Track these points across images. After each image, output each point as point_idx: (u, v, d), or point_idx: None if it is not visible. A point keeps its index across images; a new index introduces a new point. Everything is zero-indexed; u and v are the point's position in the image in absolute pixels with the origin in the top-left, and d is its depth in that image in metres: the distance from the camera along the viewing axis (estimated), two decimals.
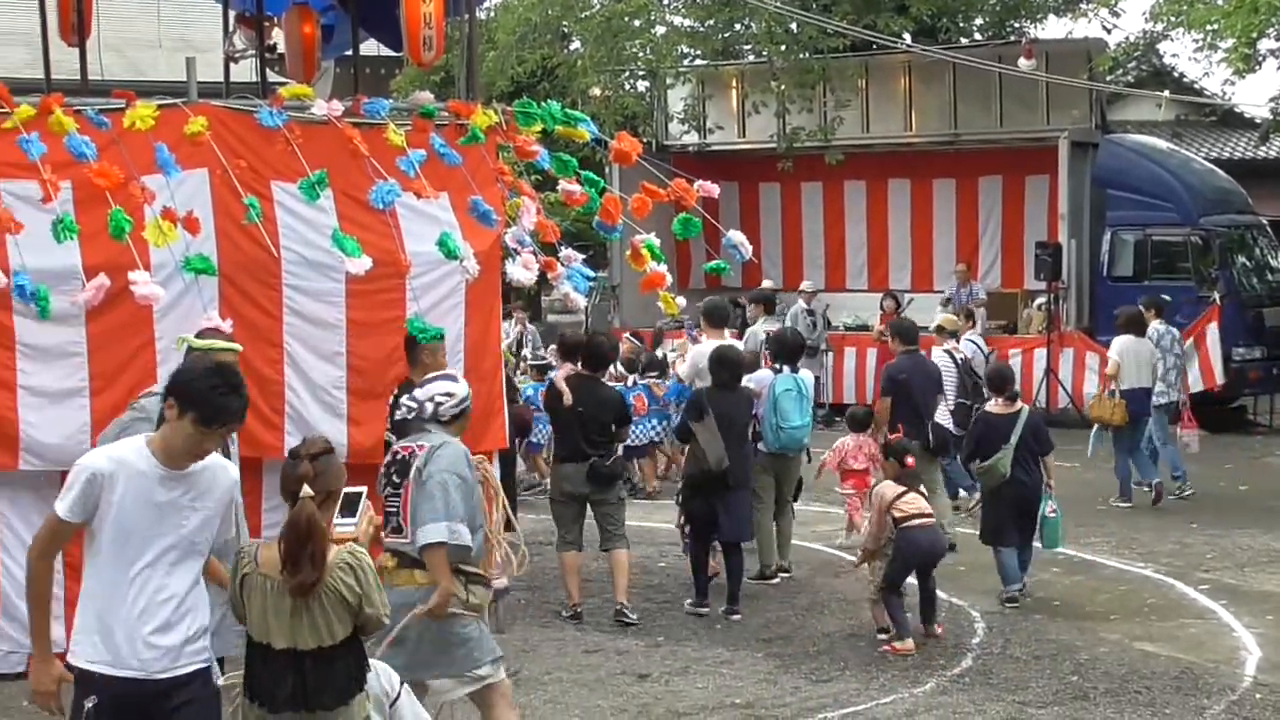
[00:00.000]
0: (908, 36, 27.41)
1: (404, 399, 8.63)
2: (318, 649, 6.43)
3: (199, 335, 9.43)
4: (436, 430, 8.33)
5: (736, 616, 12.50)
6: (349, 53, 14.75)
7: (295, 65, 14.22)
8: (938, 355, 16.69)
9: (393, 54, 16.57)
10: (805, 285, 26.20)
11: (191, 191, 10.41)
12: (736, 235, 11.37)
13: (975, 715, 9.99)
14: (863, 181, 28.30)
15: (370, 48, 15.46)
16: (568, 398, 12.71)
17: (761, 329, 16.12)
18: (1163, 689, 10.50)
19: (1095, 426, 18.15)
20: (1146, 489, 17.89)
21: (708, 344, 13.98)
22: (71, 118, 9.91)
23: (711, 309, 14.58)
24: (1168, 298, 20.27)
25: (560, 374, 13.43)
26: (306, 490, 6.41)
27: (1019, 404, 13.31)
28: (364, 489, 6.71)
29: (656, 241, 11.48)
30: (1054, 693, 10.46)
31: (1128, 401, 17.60)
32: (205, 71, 11.24)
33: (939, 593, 12.32)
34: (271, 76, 15.01)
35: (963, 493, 16.66)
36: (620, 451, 13.12)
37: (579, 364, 13.17)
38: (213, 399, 6.18)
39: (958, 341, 17.79)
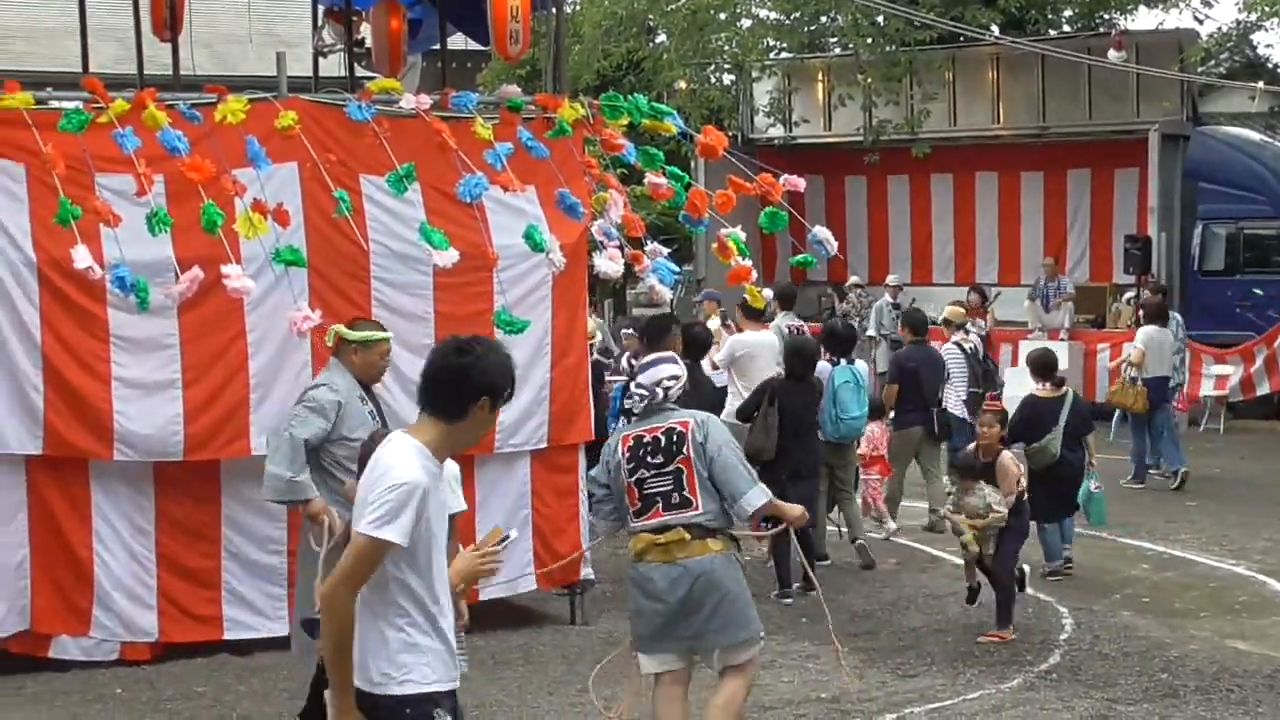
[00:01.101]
0: (995, 28, 27.21)
1: (633, 387, 8.72)
2: None
3: (350, 325, 9.51)
4: (675, 408, 8.46)
5: (788, 601, 12.66)
6: (436, 47, 14.87)
7: (382, 59, 14.31)
8: (948, 347, 17.17)
9: (479, 48, 16.59)
10: (891, 279, 26.08)
11: (281, 185, 10.51)
12: (822, 231, 11.33)
13: (1063, 712, 9.91)
14: (949, 175, 28.12)
15: (457, 42, 15.51)
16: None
17: (782, 323, 16.16)
18: (1255, 687, 10.38)
19: (1115, 412, 19.07)
20: (1167, 476, 18.46)
21: (746, 334, 14.56)
22: (165, 113, 10.03)
23: (747, 303, 14.80)
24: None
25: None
26: None
27: (1065, 388, 13.75)
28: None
29: (742, 235, 11.48)
30: (1143, 690, 10.36)
31: (1149, 389, 18.25)
32: (294, 66, 11.33)
33: (1028, 589, 12.33)
34: (359, 71, 15.12)
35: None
36: None
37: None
38: (509, 374, 5.82)
39: (965, 333, 18.22)
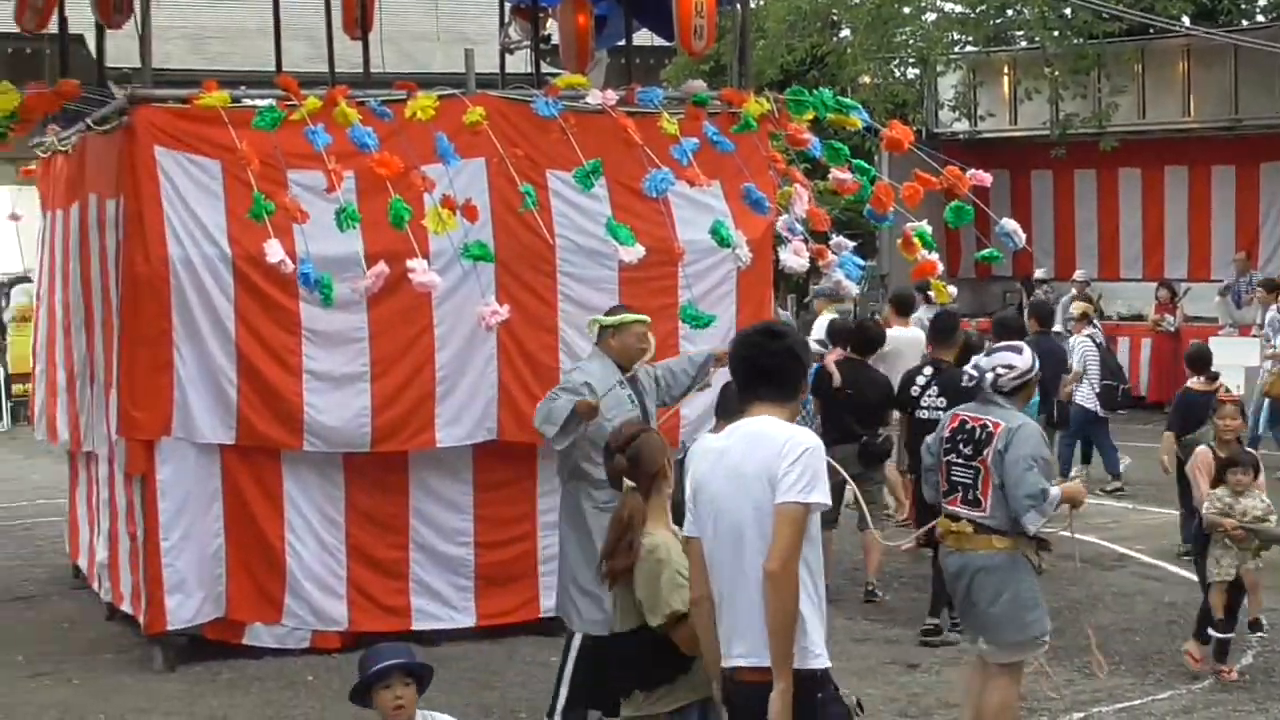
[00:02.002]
0: (1186, 19, 26.65)
1: (968, 366, 8.92)
2: (622, 633, 6.44)
3: (608, 313, 9.60)
4: (1003, 403, 8.53)
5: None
6: (621, 43, 14.92)
7: (569, 55, 14.39)
8: (1080, 340, 17.32)
9: (663, 44, 16.63)
10: (1078, 274, 25.65)
11: (469, 180, 10.62)
12: (1010, 223, 11.19)
13: (1257, 714, 9.68)
14: (1138, 169, 27.59)
15: (642, 37, 15.56)
16: (837, 379, 12.77)
17: (924, 316, 16.12)
18: None
19: (1266, 402, 18.67)
20: None
21: (894, 329, 14.61)
22: (355, 109, 10.17)
23: (899, 298, 15.25)
24: None
25: (830, 358, 13.45)
26: (627, 482, 6.47)
27: (1218, 382, 13.81)
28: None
29: (928, 229, 11.38)
30: None
31: None
32: (480, 63, 11.41)
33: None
34: (545, 67, 15.22)
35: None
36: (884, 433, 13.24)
37: (847, 349, 13.23)
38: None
39: (1094, 326, 18.33)
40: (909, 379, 12.50)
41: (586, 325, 9.74)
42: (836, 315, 17.19)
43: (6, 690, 10.35)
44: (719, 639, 5.71)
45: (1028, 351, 8.69)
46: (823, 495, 5.49)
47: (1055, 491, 8.27)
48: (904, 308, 14.91)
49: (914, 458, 11.69)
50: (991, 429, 8.33)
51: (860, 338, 13.44)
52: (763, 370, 5.75)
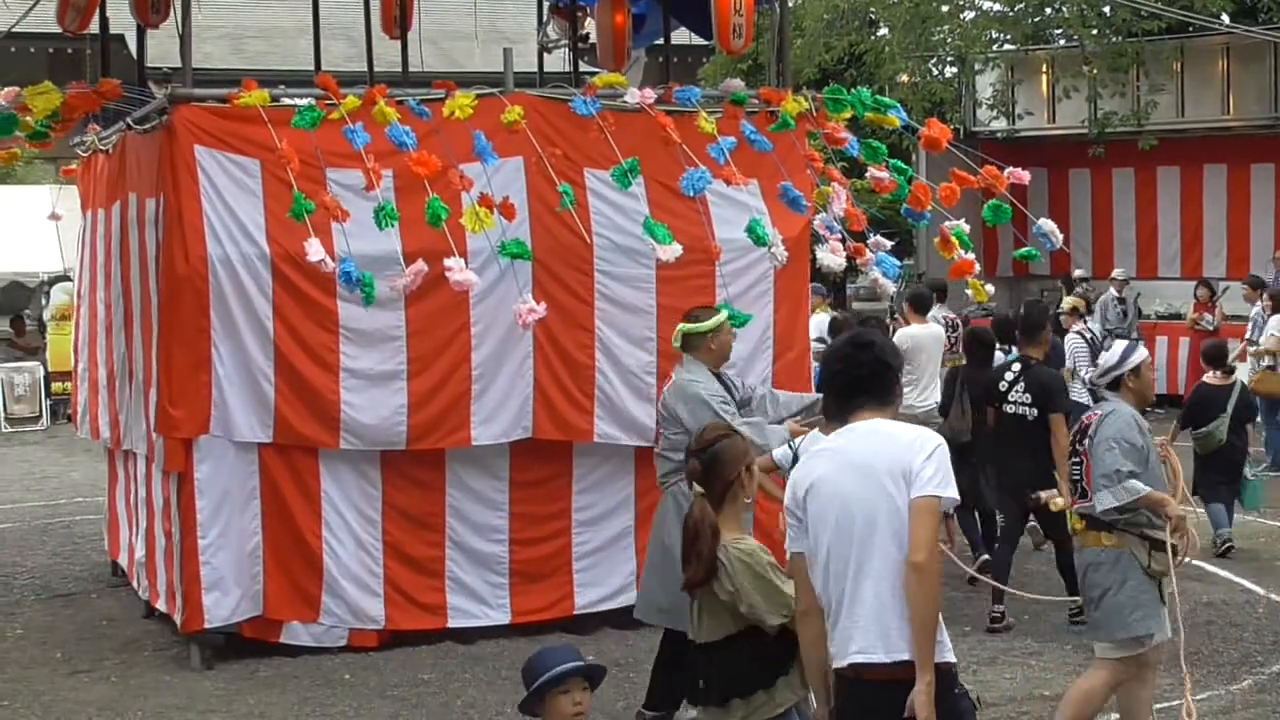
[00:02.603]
0: (1226, 17, 26.52)
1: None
2: (710, 643, 6.37)
3: (686, 319, 9.61)
4: (1109, 397, 8.66)
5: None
6: (659, 41, 14.92)
7: (607, 54, 14.40)
8: (1071, 337, 17.72)
9: (700, 43, 16.65)
10: (1116, 273, 25.58)
11: (507, 179, 10.64)
12: (1047, 223, 11.16)
13: None
14: (1176, 167, 27.47)
15: (680, 36, 15.56)
16: None
17: (938, 314, 16.15)
18: None
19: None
20: None
21: (913, 327, 14.69)
22: (394, 108, 10.18)
23: (916, 296, 15.28)
24: None
25: None
26: (697, 487, 6.45)
27: (1233, 377, 14.64)
28: None
29: (966, 228, 11.35)
30: None
31: None
32: (518, 62, 11.43)
33: (1255, 587, 12.05)
34: (583, 66, 15.23)
35: None
36: None
37: None
38: None
39: (1085, 322, 18.69)
40: (998, 374, 12.49)
41: (674, 336, 9.66)
42: (837, 314, 17.64)
43: (46, 687, 10.41)
44: (834, 641, 5.67)
45: (1117, 348, 8.81)
46: (954, 490, 5.56)
47: (1135, 483, 8.26)
48: (921, 306, 14.98)
49: (998, 450, 12.26)
50: (1091, 420, 8.56)
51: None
52: (855, 380, 5.80)
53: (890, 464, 5.54)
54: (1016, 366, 12.18)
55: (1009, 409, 12.04)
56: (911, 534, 5.46)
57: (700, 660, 6.42)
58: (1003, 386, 12.18)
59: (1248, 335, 20.45)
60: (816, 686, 5.85)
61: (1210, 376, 14.55)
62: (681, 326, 9.53)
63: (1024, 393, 11.93)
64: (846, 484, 5.61)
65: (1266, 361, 18.81)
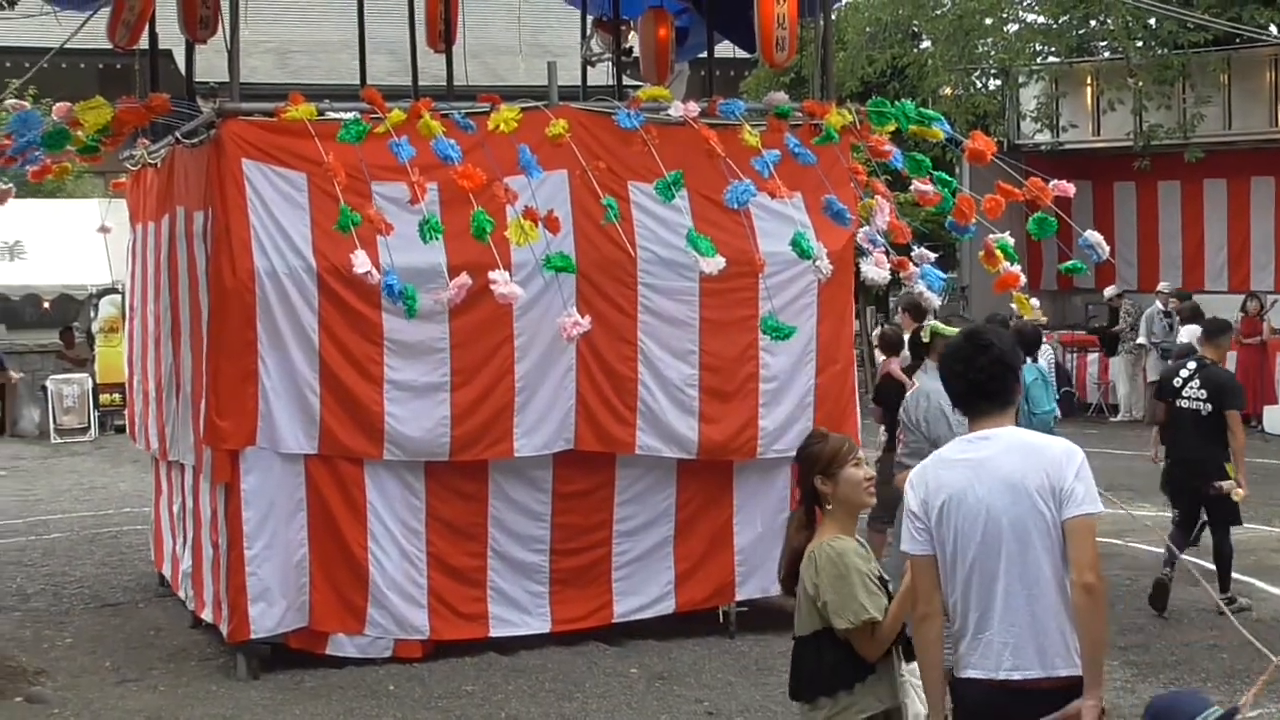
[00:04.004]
0: (1274, 28, 26.40)
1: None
2: (801, 637, 6.32)
3: (945, 321, 9.82)
4: None
5: None
6: (702, 54, 14.95)
7: (650, 68, 14.44)
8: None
9: (745, 55, 16.67)
10: (1162, 286, 25.50)
11: (552, 192, 10.68)
12: (1094, 235, 11.12)
13: None
14: (1223, 179, 27.36)
15: (723, 49, 15.60)
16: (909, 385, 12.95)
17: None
18: None
19: None
20: None
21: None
22: (439, 122, 10.23)
23: (913, 304, 15.16)
24: None
25: (893, 366, 13.53)
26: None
27: None
28: None
29: (1010, 241, 11.34)
30: None
31: None
32: (561, 76, 11.46)
33: None
34: (626, 79, 15.26)
35: None
36: None
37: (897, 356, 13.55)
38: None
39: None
40: (1173, 371, 13.01)
41: (925, 332, 9.96)
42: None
43: (95, 695, 10.48)
44: (971, 652, 5.67)
45: None
46: (1100, 504, 5.57)
47: None
48: (918, 313, 15.06)
49: (1171, 447, 12.81)
50: None
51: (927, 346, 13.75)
52: (975, 384, 5.79)
53: (1040, 480, 5.54)
54: (1193, 364, 12.76)
55: (1183, 404, 12.61)
56: (1075, 555, 5.47)
57: (795, 654, 6.40)
58: (1177, 382, 12.74)
59: None
60: (933, 690, 5.83)
61: None
62: (934, 325, 9.67)
63: (1199, 389, 12.52)
64: (994, 498, 5.59)
65: None
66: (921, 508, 5.75)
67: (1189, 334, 18.92)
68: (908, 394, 10.33)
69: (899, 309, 15.76)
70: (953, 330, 9.45)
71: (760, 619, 11.64)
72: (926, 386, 9.84)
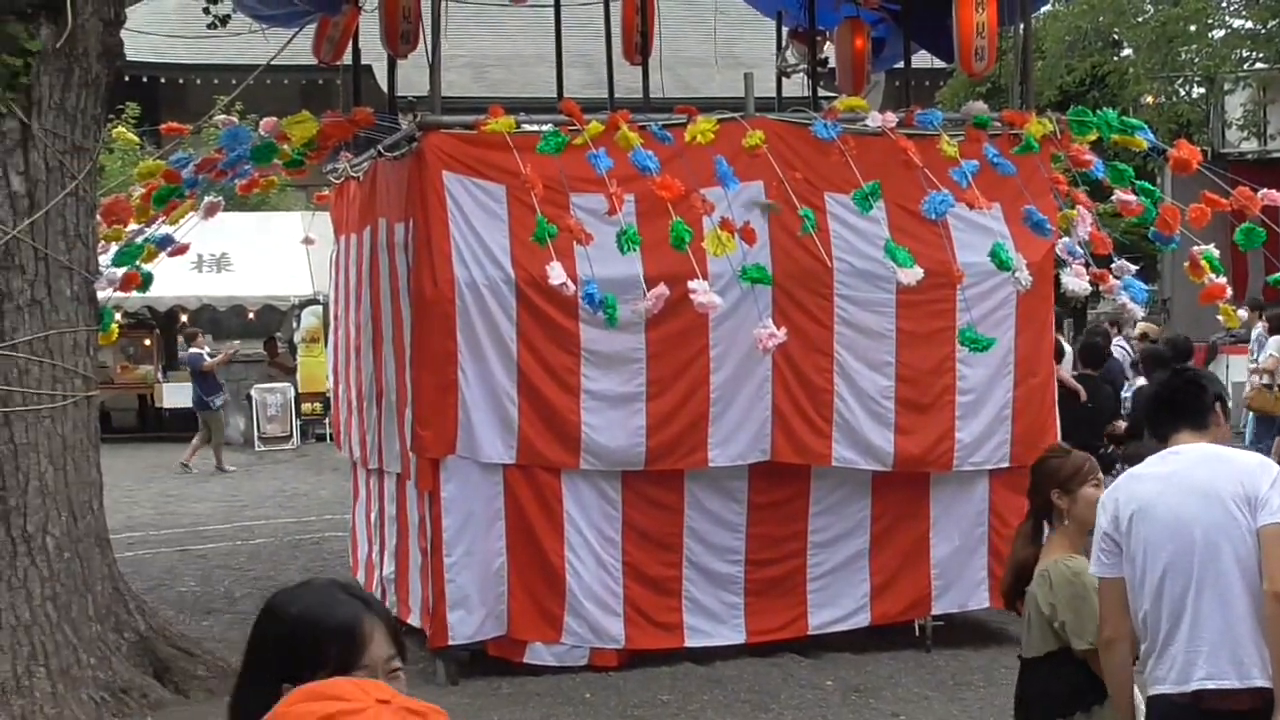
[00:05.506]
0: None
1: None
2: (1032, 659, 6.24)
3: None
4: None
5: None
6: (898, 65, 14.86)
7: (845, 78, 14.39)
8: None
9: (940, 65, 16.53)
10: None
11: (748, 203, 10.67)
12: None
13: None
14: None
15: (919, 59, 15.49)
16: (1083, 394, 12.89)
17: None
18: None
19: (1250, 415, 18.62)
20: None
21: None
22: (636, 133, 10.29)
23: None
24: None
25: (1063, 372, 13.47)
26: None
27: None
28: None
29: (1216, 253, 11.13)
30: None
31: None
32: (756, 87, 11.45)
33: None
34: (821, 90, 15.23)
35: None
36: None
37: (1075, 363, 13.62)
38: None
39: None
40: None
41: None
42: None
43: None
44: (1161, 666, 5.60)
45: None
46: None
47: None
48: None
49: None
50: None
51: (1090, 353, 14.25)
52: (1170, 404, 5.81)
53: (1234, 489, 5.46)
54: None
55: None
56: (1269, 564, 5.38)
57: (1023, 676, 6.33)
58: None
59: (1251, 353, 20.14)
60: (1124, 710, 5.76)
61: None
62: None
63: None
64: (1185, 507, 5.52)
65: (1264, 380, 18.42)
66: (1112, 524, 5.67)
67: (1276, 346, 18.65)
68: None
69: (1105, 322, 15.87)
70: None
71: (956, 633, 11.54)
72: None
